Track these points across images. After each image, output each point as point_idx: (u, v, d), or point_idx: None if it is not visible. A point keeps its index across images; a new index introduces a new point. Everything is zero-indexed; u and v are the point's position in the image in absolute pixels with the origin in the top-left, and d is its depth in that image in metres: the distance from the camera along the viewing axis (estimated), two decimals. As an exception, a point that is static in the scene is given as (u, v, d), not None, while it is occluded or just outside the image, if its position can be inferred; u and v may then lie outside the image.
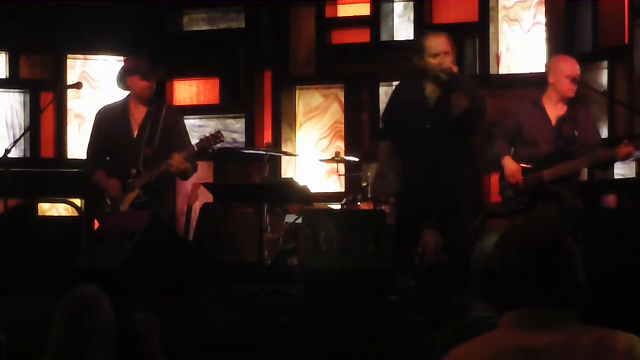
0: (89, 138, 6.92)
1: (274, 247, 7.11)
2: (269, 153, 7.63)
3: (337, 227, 5.74)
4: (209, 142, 6.53)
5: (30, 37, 8.73)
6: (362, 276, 5.59)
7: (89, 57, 8.95)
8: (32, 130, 8.62)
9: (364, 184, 7.45)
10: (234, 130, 9.06)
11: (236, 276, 6.39)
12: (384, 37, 8.77)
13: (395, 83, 8.31)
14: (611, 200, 7.77)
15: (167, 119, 6.66)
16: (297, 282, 6.06)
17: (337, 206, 7.76)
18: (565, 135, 6.49)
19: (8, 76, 8.79)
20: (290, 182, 7.34)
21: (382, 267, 5.67)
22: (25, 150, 8.76)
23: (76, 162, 8.35)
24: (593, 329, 2.19)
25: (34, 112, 8.72)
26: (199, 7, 9.21)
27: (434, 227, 6.80)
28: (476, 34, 8.41)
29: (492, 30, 8.38)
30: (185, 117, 9.04)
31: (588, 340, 2.15)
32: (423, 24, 8.53)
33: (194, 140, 6.86)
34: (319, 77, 8.93)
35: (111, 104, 6.90)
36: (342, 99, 8.82)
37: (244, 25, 9.08)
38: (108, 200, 6.60)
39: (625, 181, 7.66)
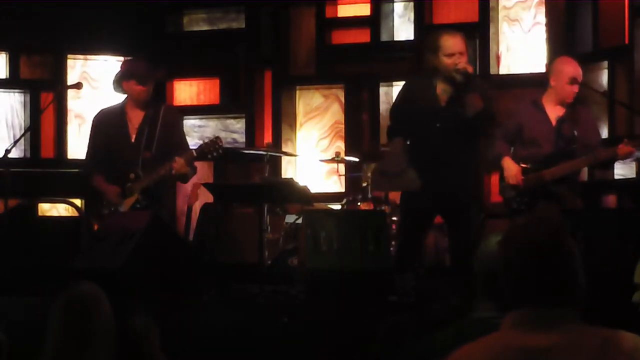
0: (87, 141, 6.91)
1: (274, 247, 7.11)
2: (269, 153, 7.63)
3: (337, 227, 5.74)
4: (207, 148, 6.48)
5: (30, 37, 8.73)
6: (362, 276, 5.59)
7: (89, 57, 8.95)
8: (32, 130, 8.62)
9: (364, 184, 7.45)
10: (234, 130, 9.06)
11: (236, 276, 6.39)
12: (384, 37, 8.77)
13: (396, 83, 8.37)
14: (611, 200, 7.77)
15: (165, 120, 6.63)
16: (297, 282, 6.06)
17: (337, 206, 7.76)
18: (565, 135, 6.49)
19: (8, 76, 8.79)
20: (290, 182, 7.34)
21: (382, 267, 5.67)
22: (25, 150, 8.76)
23: (76, 162, 8.34)
24: (596, 329, 2.19)
25: (34, 112, 8.72)
26: (199, 7, 9.21)
27: (435, 227, 6.81)
28: (476, 34, 8.41)
29: (492, 30, 8.38)
30: (185, 117, 9.08)
31: (592, 340, 2.15)
32: (423, 24, 8.53)
33: (194, 141, 6.85)
34: (319, 77, 8.93)
35: (108, 108, 6.87)
36: (342, 99, 8.82)
37: (244, 25, 9.08)
38: (105, 202, 6.58)
39: (625, 181, 7.66)
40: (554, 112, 6.53)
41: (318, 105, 8.95)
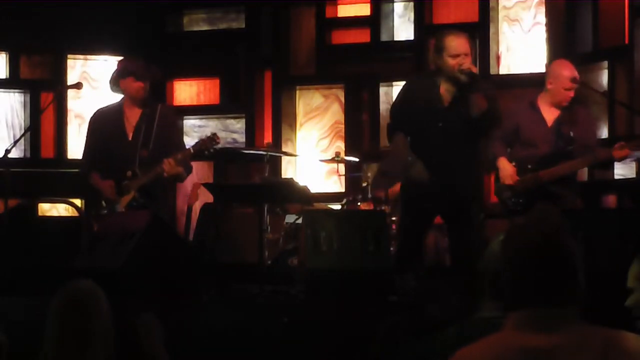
0: (84, 141, 6.92)
1: (274, 247, 7.11)
2: (269, 153, 7.62)
3: (337, 227, 5.74)
4: (204, 144, 6.50)
5: (30, 37, 8.73)
6: (362, 276, 5.59)
7: (89, 57, 8.95)
8: (32, 130, 8.62)
9: (364, 184, 7.45)
10: (234, 130, 9.06)
11: (236, 276, 6.39)
12: (384, 37, 8.77)
13: (396, 83, 8.37)
14: (611, 200, 7.77)
15: (161, 119, 6.63)
16: (297, 282, 6.05)
17: (337, 206, 7.76)
18: (562, 135, 6.49)
19: (8, 76, 8.80)
20: (290, 182, 7.34)
21: (382, 267, 5.67)
22: (25, 150, 8.76)
23: (76, 162, 8.30)
24: (598, 329, 2.19)
25: (34, 112, 8.72)
26: (199, 7, 9.21)
27: (435, 227, 6.81)
28: (476, 34, 8.40)
29: (492, 30, 8.38)
30: (185, 117, 9.10)
31: (594, 341, 2.15)
32: (423, 24, 8.53)
33: (194, 141, 6.85)
34: (319, 77, 8.93)
35: (105, 107, 6.87)
36: (342, 99, 8.82)
37: (244, 25, 9.08)
38: (103, 203, 6.59)
39: (625, 181, 7.67)
40: (549, 114, 6.55)
41: (318, 105, 8.95)
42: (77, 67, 8.94)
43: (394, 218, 6.89)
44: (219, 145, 6.62)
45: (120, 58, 7.77)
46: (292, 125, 8.93)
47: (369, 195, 7.28)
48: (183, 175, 6.64)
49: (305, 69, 8.98)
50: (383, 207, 7.04)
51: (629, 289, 3.24)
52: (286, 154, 8.43)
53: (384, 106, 8.48)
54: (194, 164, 8.59)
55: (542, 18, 8.28)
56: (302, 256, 6.56)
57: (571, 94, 6.50)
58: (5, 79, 8.79)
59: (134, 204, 6.50)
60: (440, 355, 2.64)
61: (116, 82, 6.68)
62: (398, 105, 6.32)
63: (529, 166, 6.47)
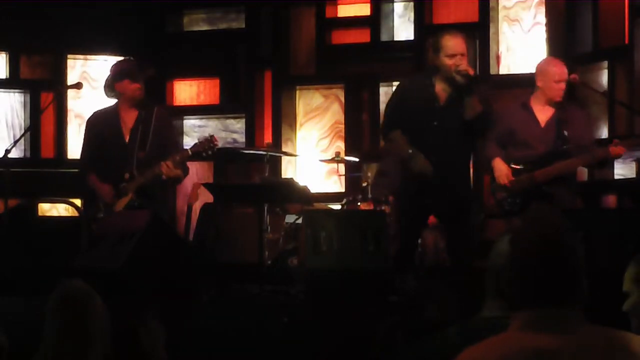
0: (81, 143, 6.92)
1: (274, 247, 7.11)
2: (269, 153, 7.62)
3: (337, 227, 5.74)
4: (202, 146, 6.49)
5: (30, 37, 8.73)
6: (362, 276, 5.59)
7: (89, 57, 8.95)
8: (32, 130, 8.62)
9: (364, 184, 7.45)
10: (234, 130, 9.06)
11: (236, 276, 6.39)
12: (384, 37, 8.77)
13: (396, 83, 8.34)
14: (611, 200, 7.77)
15: (158, 121, 6.63)
16: (297, 282, 6.05)
17: (337, 206, 7.76)
18: (557, 135, 6.50)
19: (8, 76, 8.79)
20: (290, 182, 7.34)
21: (382, 267, 5.67)
22: (25, 150, 8.76)
23: (76, 162, 8.31)
24: (604, 330, 2.19)
25: (34, 112, 8.72)
26: (199, 7, 9.21)
27: (436, 227, 6.81)
28: (476, 34, 8.41)
29: (492, 30, 8.38)
30: (185, 117, 9.10)
31: (600, 342, 2.15)
32: (423, 24, 8.53)
33: (194, 141, 6.85)
34: (319, 77, 8.93)
35: (101, 110, 6.88)
36: (342, 99, 8.82)
37: (244, 25, 9.08)
38: (101, 205, 6.59)
39: (625, 181, 7.66)
40: (542, 113, 6.56)
41: (318, 105, 8.95)
42: (77, 67, 8.94)
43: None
44: (217, 147, 6.61)
45: (122, 58, 7.78)
46: (292, 125, 8.93)
47: (369, 195, 7.28)
48: (181, 177, 6.66)
49: (305, 69, 8.97)
50: (383, 207, 7.04)
51: (625, 293, 3.23)
52: (286, 154, 8.42)
53: (384, 106, 8.47)
54: (194, 164, 8.65)
55: (542, 18, 8.28)
56: (302, 256, 6.55)
57: (562, 86, 6.50)
58: (5, 79, 8.79)
59: (135, 204, 6.50)
60: (440, 355, 2.64)
61: (111, 86, 6.66)
62: (393, 104, 6.32)
63: (521, 166, 6.48)
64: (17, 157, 8.24)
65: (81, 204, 8.05)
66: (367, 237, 5.71)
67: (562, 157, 6.42)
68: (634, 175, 7.66)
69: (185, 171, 6.65)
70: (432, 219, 6.54)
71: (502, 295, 2.74)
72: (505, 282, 2.68)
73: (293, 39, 8.99)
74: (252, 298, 5.79)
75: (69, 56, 8.90)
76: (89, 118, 6.92)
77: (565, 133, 6.46)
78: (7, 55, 8.80)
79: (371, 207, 7.19)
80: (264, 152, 7.58)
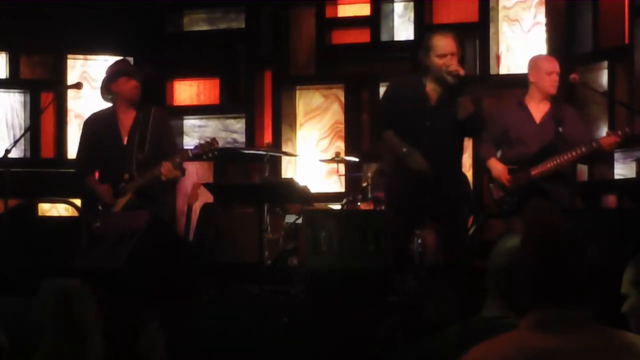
0: (77, 144, 6.92)
1: (274, 247, 7.11)
2: (269, 153, 7.62)
3: (337, 227, 5.74)
4: (203, 149, 6.49)
5: (30, 37, 8.73)
6: (362, 276, 5.59)
7: (89, 57, 8.95)
8: (32, 130, 8.62)
9: (364, 184, 7.45)
10: (234, 130, 9.06)
11: (236, 276, 6.39)
12: (384, 37, 8.77)
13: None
14: (611, 200, 7.77)
15: (155, 122, 6.63)
16: (297, 282, 6.06)
17: (337, 206, 7.76)
18: (552, 130, 6.51)
19: (8, 76, 8.79)
20: (290, 182, 7.34)
21: (382, 267, 5.67)
22: (25, 150, 8.76)
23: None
24: (613, 332, 2.19)
25: (34, 112, 8.72)
26: (199, 7, 9.21)
27: (431, 227, 6.81)
28: (476, 34, 8.42)
29: (492, 30, 8.38)
30: (185, 117, 9.10)
31: (604, 342, 2.15)
32: (423, 24, 8.53)
33: (194, 141, 6.85)
34: (319, 77, 8.93)
35: (98, 112, 6.87)
36: (342, 99, 8.82)
37: (244, 25, 9.08)
38: (100, 206, 6.58)
39: (625, 181, 7.66)
40: (537, 110, 6.60)
41: (318, 105, 8.95)
42: (77, 67, 8.94)
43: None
44: (218, 150, 6.61)
45: (122, 58, 7.79)
46: (292, 125, 8.93)
47: (369, 195, 7.28)
48: (179, 178, 6.68)
49: (305, 69, 8.98)
50: (383, 207, 7.04)
51: (623, 295, 3.22)
52: (286, 154, 8.42)
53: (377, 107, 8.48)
54: (194, 164, 8.65)
55: (542, 18, 8.28)
56: (302, 256, 6.55)
57: (555, 79, 6.54)
58: (5, 79, 8.79)
59: (134, 204, 6.50)
60: (440, 355, 2.64)
61: (107, 87, 6.65)
62: (385, 106, 6.31)
63: (519, 165, 6.48)
64: (17, 157, 8.24)
65: (81, 204, 8.07)
66: (367, 237, 5.72)
67: (556, 152, 6.43)
68: (634, 175, 7.66)
69: (182, 172, 6.66)
70: None
71: (502, 296, 2.75)
72: (505, 283, 2.69)
73: (293, 39, 8.99)
74: (252, 298, 5.79)
75: (69, 56, 8.90)
76: (86, 120, 6.92)
77: (560, 129, 6.47)
78: (7, 55, 8.80)
79: (371, 207, 7.20)
80: (264, 152, 7.58)
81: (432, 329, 2.92)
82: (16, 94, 8.83)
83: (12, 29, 8.66)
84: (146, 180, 6.47)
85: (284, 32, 8.99)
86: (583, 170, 7.83)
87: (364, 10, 8.83)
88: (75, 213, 7.76)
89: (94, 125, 6.76)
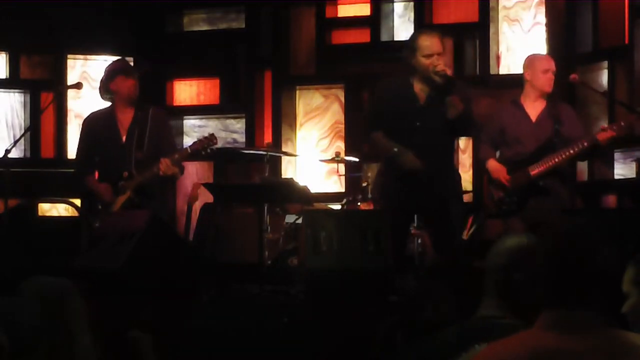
0: (77, 144, 6.92)
1: (274, 247, 7.11)
2: (269, 153, 7.62)
3: (337, 227, 5.74)
4: (201, 144, 6.52)
5: (30, 37, 8.73)
6: (362, 276, 5.59)
7: (89, 57, 8.95)
8: (32, 130, 8.62)
9: (364, 184, 7.45)
10: (234, 130, 9.06)
11: (236, 276, 6.39)
12: (384, 37, 8.77)
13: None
14: (611, 200, 7.77)
15: (154, 121, 6.64)
16: (297, 282, 6.05)
17: (337, 206, 7.76)
18: (549, 127, 6.51)
19: (8, 76, 8.79)
20: (290, 182, 7.34)
21: (382, 267, 5.67)
22: (25, 150, 8.76)
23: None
24: (627, 334, 2.19)
25: (34, 112, 8.72)
26: (199, 7, 9.21)
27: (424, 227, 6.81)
28: (476, 34, 8.42)
29: (492, 30, 8.38)
30: (185, 117, 9.10)
31: (623, 346, 2.15)
32: (423, 24, 8.52)
33: (193, 141, 6.86)
34: (319, 77, 8.93)
35: (97, 111, 6.88)
36: (342, 99, 8.82)
37: (244, 25, 9.08)
38: (99, 205, 6.59)
39: (625, 181, 7.66)
40: (533, 109, 6.60)
41: (318, 105, 8.95)
42: (77, 67, 8.94)
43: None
44: (217, 146, 6.63)
45: (121, 58, 7.80)
46: (292, 125, 8.93)
47: (369, 195, 7.28)
48: (177, 175, 6.69)
49: (305, 69, 8.97)
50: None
51: (624, 294, 3.23)
52: (286, 154, 8.42)
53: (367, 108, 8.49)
54: (194, 164, 8.65)
55: (542, 18, 8.28)
56: (302, 256, 6.55)
57: (550, 76, 6.54)
58: (5, 79, 8.79)
59: (134, 202, 6.51)
60: (440, 355, 2.64)
61: (106, 86, 6.67)
62: (371, 107, 6.33)
63: (517, 164, 6.49)
64: (17, 157, 8.23)
65: (81, 204, 8.07)
66: (367, 237, 5.71)
67: (553, 150, 6.43)
68: (634, 175, 7.66)
69: (181, 170, 6.67)
70: None
71: (499, 295, 2.75)
72: (504, 282, 2.69)
73: (293, 39, 8.99)
74: (252, 298, 5.79)
75: (69, 56, 8.90)
76: (85, 119, 6.93)
77: (557, 127, 6.47)
78: (7, 55, 8.80)
79: (371, 207, 7.19)
80: (264, 152, 7.58)
81: (432, 329, 2.91)
82: (16, 94, 8.83)
83: (12, 29, 8.65)
84: (145, 178, 6.49)
85: (284, 32, 8.99)
86: (583, 170, 7.84)
87: (364, 10, 8.83)
88: (75, 213, 7.77)
89: (93, 124, 6.77)
